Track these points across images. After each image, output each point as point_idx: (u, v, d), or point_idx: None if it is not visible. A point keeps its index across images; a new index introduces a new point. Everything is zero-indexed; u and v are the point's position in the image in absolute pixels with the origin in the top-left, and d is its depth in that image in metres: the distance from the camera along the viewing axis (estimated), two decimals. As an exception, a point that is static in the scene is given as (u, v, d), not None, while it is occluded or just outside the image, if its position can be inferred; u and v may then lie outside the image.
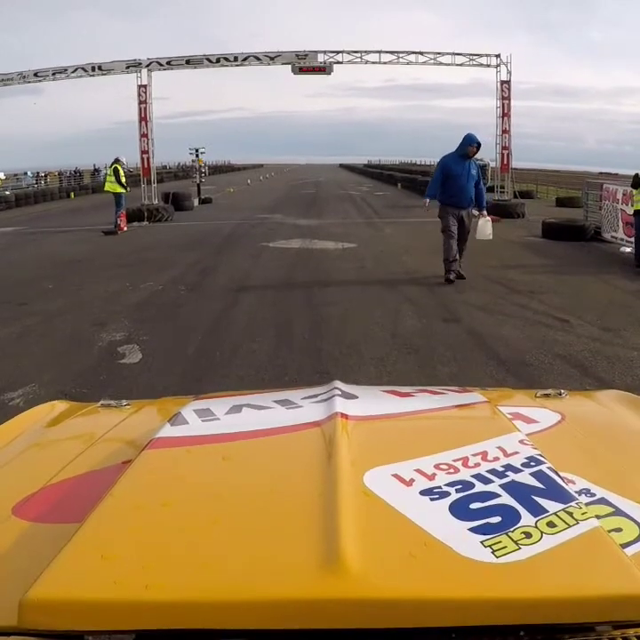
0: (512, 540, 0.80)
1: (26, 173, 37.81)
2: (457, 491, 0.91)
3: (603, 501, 0.98)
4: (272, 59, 17.97)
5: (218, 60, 18.26)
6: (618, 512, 0.94)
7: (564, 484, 0.93)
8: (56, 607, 0.71)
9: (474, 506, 0.87)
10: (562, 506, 0.87)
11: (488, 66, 17.75)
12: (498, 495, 0.90)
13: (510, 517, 0.84)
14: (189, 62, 18.33)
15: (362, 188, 35.23)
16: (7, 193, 27.03)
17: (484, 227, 8.80)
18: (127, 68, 18.12)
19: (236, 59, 18.26)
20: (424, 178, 26.92)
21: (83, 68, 18.25)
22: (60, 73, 18.49)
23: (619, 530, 0.89)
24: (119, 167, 14.96)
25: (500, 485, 0.93)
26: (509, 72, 17.61)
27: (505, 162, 18.19)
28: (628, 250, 10.36)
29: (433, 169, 14.50)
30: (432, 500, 0.89)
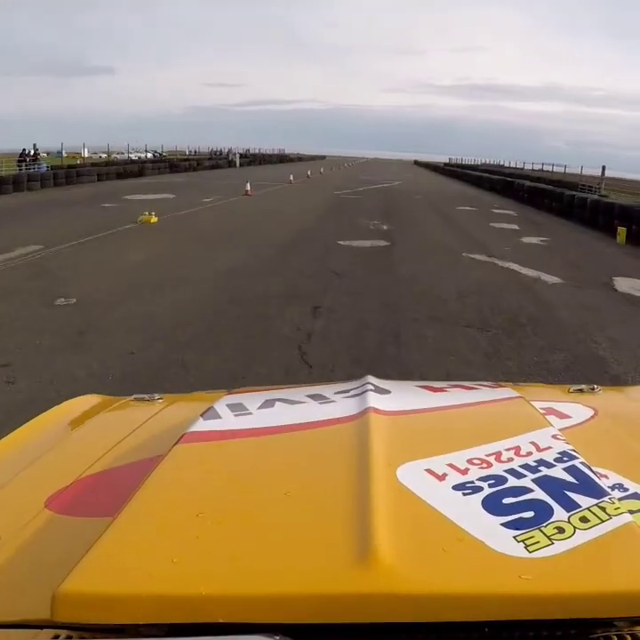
0: (545, 535, 0.83)
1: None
2: (490, 485, 0.95)
3: (636, 496, 1.02)
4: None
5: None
6: None
7: (596, 479, 0.97)
8: (89, 601, 0.75)
9: (507, 501, 0.91)
10: (595, 501, 0.90)
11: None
12: (531, 490, 0.93)
13: (543, 512, 0.87)
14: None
15: (496, 217, 21.06)
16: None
17: None
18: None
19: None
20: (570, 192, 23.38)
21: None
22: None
23: None
24: None
25: (532, 480, 0.96)
26: None
27: None
28: None
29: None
30: (465, 494, 0.93)
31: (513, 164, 65.10)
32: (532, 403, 1.33)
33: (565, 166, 44.15)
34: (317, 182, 36.48)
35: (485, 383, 1.67)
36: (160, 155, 60.68)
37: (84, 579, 0.76)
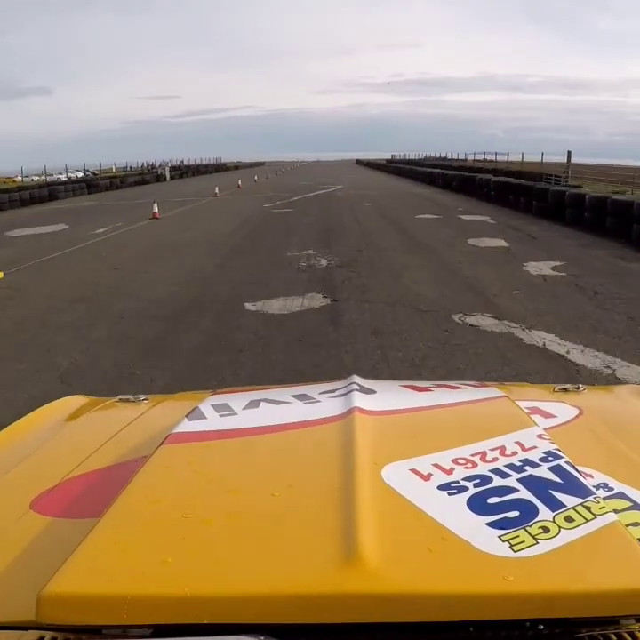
0: (530, 534, 0.84)
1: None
2: (475, 485, 0.95)
3: (620, 496, 1.03)
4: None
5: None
6: (636, 506, 1.00)
7: (581, 479, 0.98)
8: (74, 602, 0.75)
9: (492, 500, 0.92)
10: (580, 500, 0.91)
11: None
12: (516, 490, 0.94)
13: (528, 512, 0.88)
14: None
15: (471, 227, 15.92)
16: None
17: None
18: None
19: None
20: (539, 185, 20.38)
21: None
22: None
23: (637, 524, 0.94)
24: None
25: (517, 480, 0.97)
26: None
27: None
28: None
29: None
30: (450, 494, 0.93)
31: (455, 156, 63.86)
32: (516, 402, 1.34)
33: (508, 154, 41.80)
34: (248, 193, 31.81)
35: (470, 383, 1.70)
36: (91, 173, 57.96)
37: (69, 580, 0.77)
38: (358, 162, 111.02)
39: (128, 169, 65.54)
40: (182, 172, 62.54)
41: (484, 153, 53.15)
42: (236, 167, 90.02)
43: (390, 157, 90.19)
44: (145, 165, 68.57)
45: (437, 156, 72.11)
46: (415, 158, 74.50)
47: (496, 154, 46.95)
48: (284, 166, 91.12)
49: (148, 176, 51.29)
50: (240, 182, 38.12)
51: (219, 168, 79.96)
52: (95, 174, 57.10)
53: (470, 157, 55.43)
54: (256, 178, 45.98)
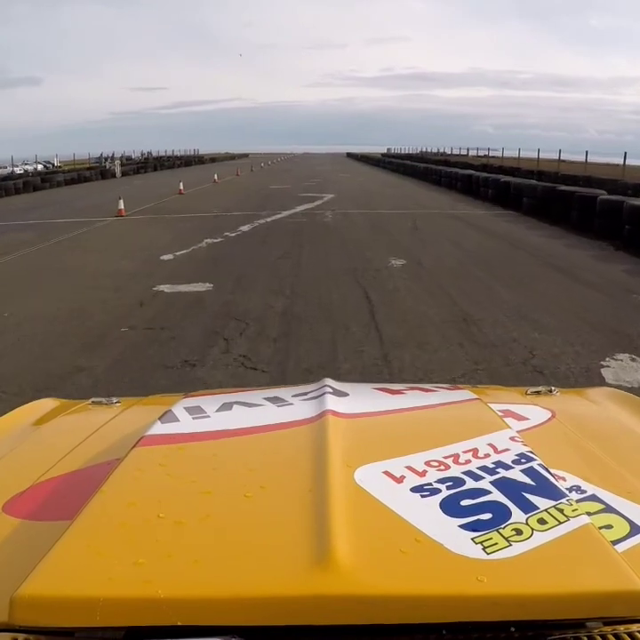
0: (503, 536, 0.84)
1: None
2: (447, 487, 0.96)
3: (593, 498, 1.03)
4: None
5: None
6: (608, 509, 1.00)
7: (554, 481, 0.99)
8: (47, 604, 0.76)
9: (464, 503, 0.92)
10: (552, 503, 0.91)
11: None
12: (488, 492, 0.94)
13: (501, 514, 0.89)
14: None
15: None
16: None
17: None
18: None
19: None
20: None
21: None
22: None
23: (609, 527, 0.94)
24: None
25: (490, 482, 0.97)
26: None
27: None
28: None
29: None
30: (423, 496, 0.94)
31: (448, 151, 61.57)
32: (489, 405, 1.34)
33: (502, 149, 41.93)
34: (183, 207, 19.37)
35: (443, 386, 1.70)
36: (54, 166, 49.13)
37: (41, 582, 0.77)
38: (349, 155, 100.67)
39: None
40: (139, 166, 51.58)
41: (477, 148, 54.02)
42: (213, 159, 78.98)
43: (386, 151, 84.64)
44: (105, 157, 57.63)
45: (433, 150, 67.70)
46: (414, 153, 68.24)
47: (488, 149, 48.40)
48: (268, 159, 78.96)
49: (89, 172, 40.03)
50: (182, 187, 25.22)
51: (189, 161, 68.62)
52: (59, 167, 48.42)
53: (471, 153, 53.71)
54: (215, 177, 33.81)
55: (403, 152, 74.60)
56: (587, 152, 29.75)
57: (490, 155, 45.22)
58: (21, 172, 39.58)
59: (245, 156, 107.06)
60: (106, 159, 52.05)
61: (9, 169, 41.50)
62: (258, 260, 10.70)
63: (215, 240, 12.91)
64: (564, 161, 31.04)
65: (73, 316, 7.35)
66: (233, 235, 13.70)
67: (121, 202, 17.84)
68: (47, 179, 34.04)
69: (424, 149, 70.87)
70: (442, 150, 63.99)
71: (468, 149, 56.65)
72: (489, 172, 26.71)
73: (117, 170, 43.50)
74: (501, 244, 12.61)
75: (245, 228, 14.68)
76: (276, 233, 13.94)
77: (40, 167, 46.53)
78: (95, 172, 41.37)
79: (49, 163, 51.72)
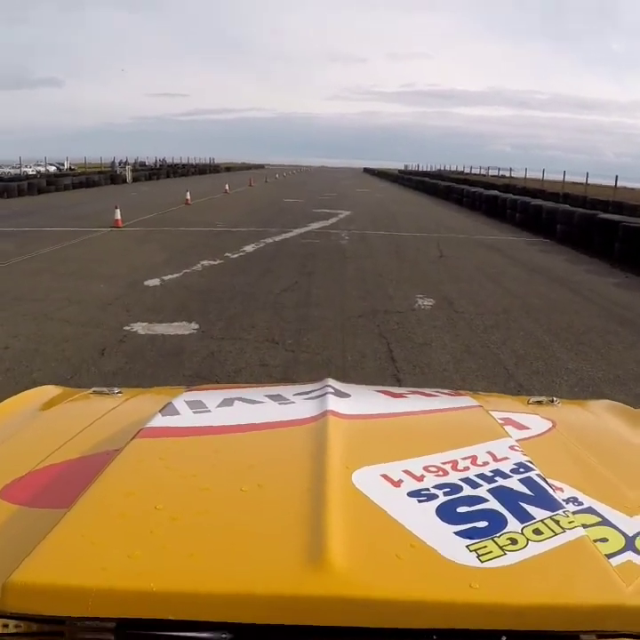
0: (498, 545, 0.84)
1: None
2: (445, 494, 0.95)
3: (590, 511, 1.02)
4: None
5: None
6: (604, 522, 1.00)
7: (552, 492, 0.99)
8: (39, 591, 0.76)
9: (461, 509, 0.92)
10: (549, 513, 0.91)
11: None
12: (485, 500, 0.94)
13: (497, 523, 0.89)
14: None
15: None
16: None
17: None
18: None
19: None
20: None
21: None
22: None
23: (604, 540, 0.94)
24: None
25: (488, 490, 0.97)
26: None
27: None
28: None
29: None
30: (420, 501, 0.93)
31: (468, 170, 60.02)
32: (490, 413, 1.33)
33: (526, 170, 40.53)
34: (185, 219, 17.43)
35: (445, 391, 1.68)
36: (68, 168, 49.13)
37: (34, 569, 0.77)
38: (366, 170, 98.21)
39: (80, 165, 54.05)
40: (151, 172, 50.28)
41: (499, 169, 52.94)
42: (228, 169, 78.12)
43: (403, 168, 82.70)
44: (120, 162, 56.78)
45: (450, 168, 66.08)
46: (431, 170, 66.86)
47: (510, 170, 45.74)
48: (283, 171, 77.56)
49: (98, 177, 38.88)
50: (189, 196, 23.26)
51: (204, 169, 67.30)
52: (72, 169, 48.35)
53: (491, 172, 53.07)
54: (227, 188, 31.95)
55: (420, 169, 73.21)
56: (617, 177, 28.38)
57: (511, 175, 43.89)
58: (34, 172, 39.04)
59: (261, 166, 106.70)
60: (120, 163, 51.38)
61: (21, 169, 41.34)
62: (259, 292, 8.92)
63: (213, 262, 11.18)
64: (589, 184, 30.08)
65: (12, 363, 5.64)
66: (234, 256, 11.96)
67: (117, 211, 16.08)
68: (53, 182, 32.82)
69: (442, 167, 69.48)
70: (460, 168, 62.95)
71: (488, 168, 55.96)
72: (513, 194, 25.36)
73: (128, 175, 42.59)
74: (545, 281, 10.78)
75: (250, 247, 12.96)
76: (283, 257, 12.11)
77: (52, 169, 46.77)
78: (105, 176, 40.33)
79: (60, 164, 51.90)
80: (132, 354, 6.04)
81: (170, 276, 9.76)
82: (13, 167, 42.17)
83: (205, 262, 11.08)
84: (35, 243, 12.97)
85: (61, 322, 7.14)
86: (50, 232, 14.96)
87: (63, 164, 51.98)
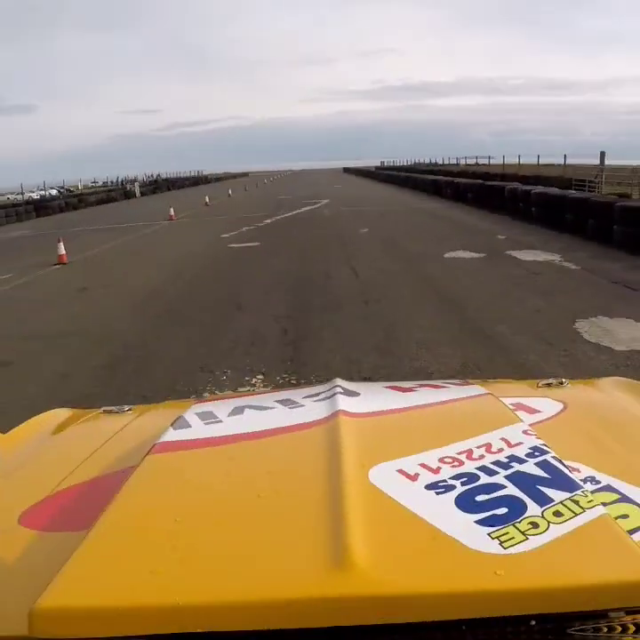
0: (519, 530, 0.84)
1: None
2: (462, 483, 0.96)
3: (608, 488, 1.03)
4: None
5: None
6: (624, 498, 1.00)
7: (568, 473, 0.99)
8: (66, 615, 0.76)
9: (480, 498, 0.92)
10: (568, 494, 0.92)
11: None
12: (503, 486, 0.95)
13: (516, 508, 0.89)
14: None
15: None
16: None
17: None
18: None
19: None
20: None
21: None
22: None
23: (625, 516, 0.94)
24: None
25: (505, 477, 0.98)
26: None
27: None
28: None
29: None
30: (438, 493, 0.94)
31: (446, 161, 61.31)
32: (501, 399, 1.34)
33: (503, 157, 38.94)
34: (187, 228, 21.21)
35: (454, 381, 1.72)
36: (67, 190, 56.71)
37: (60, 593, 0.77)
38: (346, 170, 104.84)
39: (92, 185, 60.68)
40: (155, 187, 58.22)
41: (476, 157, 52.85)
42: (219, 179, 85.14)
43: (379, 164, 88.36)
44: (121, 181, 64.22)
45: (428, 161, 69.30)
46: (405, 164, 71.30)
47: (489, 157, 46.35)
48: (265, 177, 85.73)
49: (114, 193, 46.75)
50: (207, 199, 32.00)
51: (197, 181, 75.15)
52: (70, 191, 55.21)
53: (462, 162, 53.69)
54: (230, 192, 40.12)
55: (396, 164, 76.12)
56: (565, 156, 26.99)
57: (490, 163, 43.30)
58: (47, 195, 45.37)
59: (245, 174, 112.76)
60: (129, 182, 59.43)
61: (37, 193, 46.81)
62: (279, 234, 17.69)
63: (250, 227, 19.59)
64: (567, 165, 27.65)
65: (186, 256, 13.93)
66: (261, 224, 20.38)
67: (171, 209, 24.76)
68: (83, 199, 40.51)
69: (419, 160, 72.66)
70: (438, 161, 64.45)
71: (465, 158, 55.92)
72: (464, 178, 29.35)
73: (137, 191, 49.72)
74: (436, 218, 19.77)
75: (269, 220, 21.62)
76: (291, 222, 20.87)
77: (54, 192, 52.79)
78: (119, 192, 47.69)
79: (62, 188, 59.03)
80: (233, 256, 14.15)
81: (231, 233, 17.91)
82: (19, 194, 44.27)
83: (244, 228, 19.13)
84: (130, 231, 20.68)
85: (195, 245, 15.85)
86: (129, 227, 22.16)
87: (64, 188, 58.31)
